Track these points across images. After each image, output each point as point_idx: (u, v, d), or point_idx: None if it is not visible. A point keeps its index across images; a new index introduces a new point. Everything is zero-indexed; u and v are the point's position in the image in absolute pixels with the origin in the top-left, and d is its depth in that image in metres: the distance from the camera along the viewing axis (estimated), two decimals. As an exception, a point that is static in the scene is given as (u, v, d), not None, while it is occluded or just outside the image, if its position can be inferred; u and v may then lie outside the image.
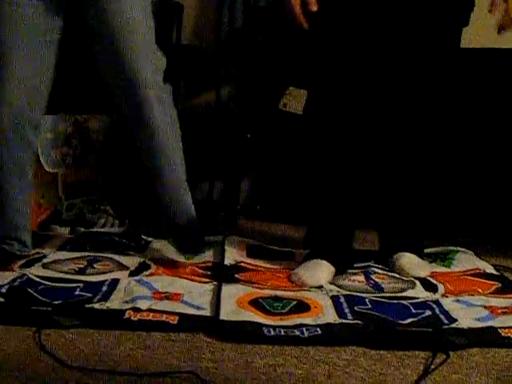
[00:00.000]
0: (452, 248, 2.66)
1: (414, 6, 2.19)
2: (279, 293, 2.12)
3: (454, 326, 1.88)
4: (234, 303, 2.00)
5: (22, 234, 2.38)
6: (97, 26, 2.19)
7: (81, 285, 2.14)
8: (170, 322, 1.87)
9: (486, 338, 1.82)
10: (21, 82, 2.18)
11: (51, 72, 2.26)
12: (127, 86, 2.20)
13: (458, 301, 2.09)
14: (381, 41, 2.20)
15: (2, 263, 2.29)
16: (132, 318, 1.88)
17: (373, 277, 2.32)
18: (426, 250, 2.52)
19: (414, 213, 2.45)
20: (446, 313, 1.98)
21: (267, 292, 2.13)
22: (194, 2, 3.63)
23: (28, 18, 2.17)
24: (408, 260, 2.39)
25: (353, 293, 2.14)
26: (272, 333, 1.81)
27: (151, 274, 2.28)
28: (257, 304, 2.01)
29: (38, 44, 2.20)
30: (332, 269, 2.31)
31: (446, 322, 1.91)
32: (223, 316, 1.90)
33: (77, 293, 2.07)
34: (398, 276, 2.33)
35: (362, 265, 2.44)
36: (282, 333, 1.81)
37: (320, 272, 2.27)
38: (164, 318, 1.89)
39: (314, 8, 2.08)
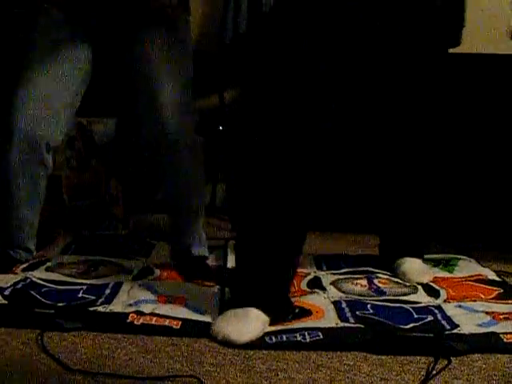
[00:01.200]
0: (454, 256, 2.66)
1: (400, 27, 2.07)
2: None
3: (455, 331, 1.88)
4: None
5: (28, 242, 2.39)
6: (132, 72, 2.26)
7: (84, 287, 2.15)
8: (173, 326, 1.87)
9: (487, 343, 1.82)
10: (41, 102, 2.19)
11: (76, 99, 2.27)
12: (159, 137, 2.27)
13: (460, 306, 2.09)
14: (369, 57, 2.06)
15: (5, 267, 2.29)
16: (135, 322, 1.89)
17: (375, 281, 2.33)
18: (428, 256, 2.52)
19: (416, 217, 2.44)
20: (447, 318, 1.98)
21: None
22: (199, 6, 3.64)
23: (59, 45, 2.19)
24: (411, 265, 2.39)
25: (354, 297, 2.15)
26: (274, 340, 1.81)
27: (155, 279, 2.28)
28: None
29: (65, 70, 2.21)
30: (264, 318, 1.89)
31: (447, 327, 1.91)
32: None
33: (80, 295, 2.08)
34: (400, 281, 2.34)
35: (365, 269, 2.45)
36: (284, 339, 1.81)
37: (247, 324, 1.85)
38: (167, 322, 1.89)
39: None
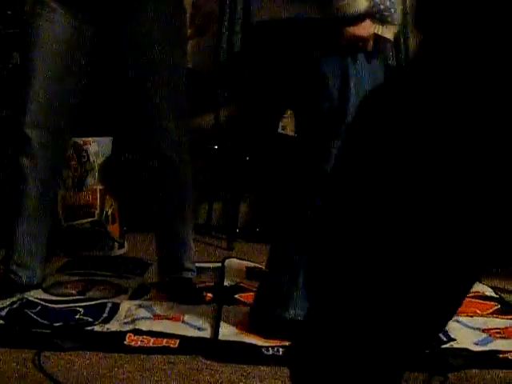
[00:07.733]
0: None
1: None
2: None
3: (452, 344, 1.88)
4: (234, 327, 2.01)
5: (32, 261, 2.29)
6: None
7: (81, 310, 2.13)
8: (171, 346, 1.87)
9: (483, 359, 1.82)
10: (48, 102, 2.13)
11: (76, 96, 2.20)
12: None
13: (457, 321, 2.08)
14: None
15: (5, 293, 2.22)
16: (133, 344, 1.87)
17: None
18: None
19: None
20: (444, 331, 1.97)
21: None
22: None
23: (59, 39, 2.13)
24: None
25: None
26: (270, 351, 1.82)
27: (151, 298, 2.28)
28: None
29: (66, 65, 2.14)
30: None
31: (444, 339, 1.91)
32: (222, 338, 1.91)
33: (77, 316, 2.08)
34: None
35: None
36: (281, 352, 1.81)
37: None
38: (164, 342, 1.88)
39: None
